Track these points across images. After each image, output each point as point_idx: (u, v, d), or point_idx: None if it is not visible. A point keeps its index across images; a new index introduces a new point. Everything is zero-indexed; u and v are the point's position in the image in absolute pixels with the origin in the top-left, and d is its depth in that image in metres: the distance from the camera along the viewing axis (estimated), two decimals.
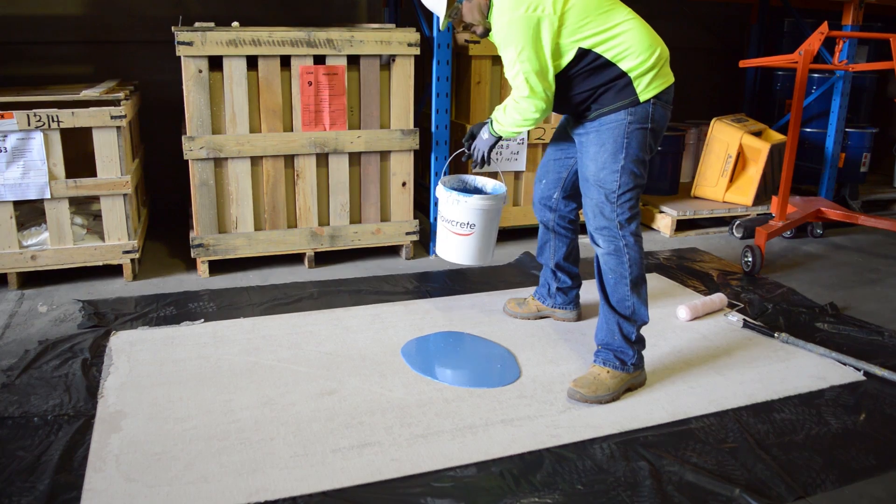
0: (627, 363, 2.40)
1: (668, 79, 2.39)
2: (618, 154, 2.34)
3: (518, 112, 2.39)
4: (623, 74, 2.30)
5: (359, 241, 3.62)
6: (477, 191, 2.99)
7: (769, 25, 5.37)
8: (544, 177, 2.79)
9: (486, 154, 2.64)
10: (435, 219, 3.77)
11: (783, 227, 3.76)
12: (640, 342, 2.45)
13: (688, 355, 2.70)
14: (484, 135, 2.62)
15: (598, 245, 2.43)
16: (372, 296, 3.21)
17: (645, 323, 2.45)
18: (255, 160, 3.36)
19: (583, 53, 2.29)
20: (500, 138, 2.60)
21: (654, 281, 3.46)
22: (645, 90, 2.31)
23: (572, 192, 2.74)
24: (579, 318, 2.98)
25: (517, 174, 3.99)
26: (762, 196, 4.48)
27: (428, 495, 1.87)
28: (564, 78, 2.37)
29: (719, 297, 3.13)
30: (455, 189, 2.86)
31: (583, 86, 2.36)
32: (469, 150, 2.70)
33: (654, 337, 2.83)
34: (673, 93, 2.42)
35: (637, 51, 2.30)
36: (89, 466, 1.94)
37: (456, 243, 2.86)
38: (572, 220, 2.81)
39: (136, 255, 3.32)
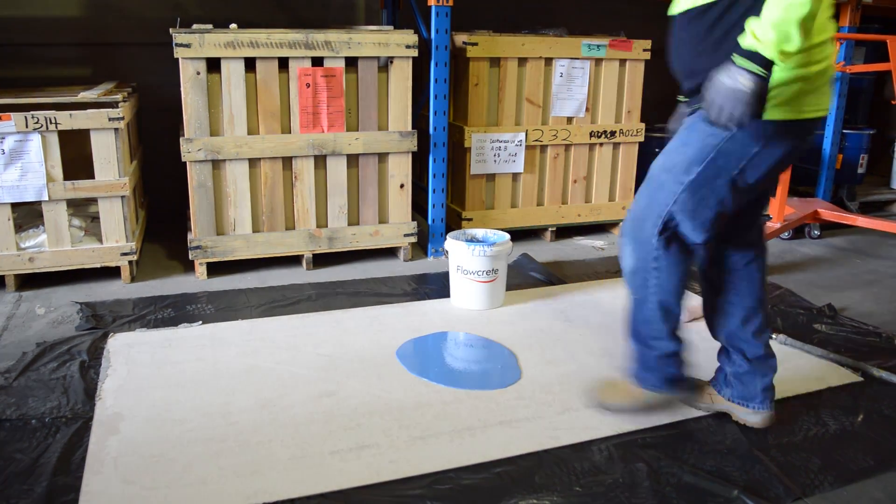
0: (643, 383, 2.17)
1: (821, 103, 1.83)
2: (692, 166, 1.87)
3: None
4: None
5: (357, 242, 3.62)
6: (476, 240, 3.21)
7: None
8: None
9: (741, 111, 1.70)
10: (433, 220, 3.78)
11: (781, 228, 3.77)
12: (664, 367, 2.13)
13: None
14: (731, 79, 1.69)
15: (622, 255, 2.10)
16: (370, 297, 3.21)
17: (671, 352, 2.12)
18: (254, 162, 3.36)
19: None
20: (763, 73, 1.67)
21: None
22: (778, 106, 1.78)
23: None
24: (771, 421, 2.19)
25: (515, 176, 4.00)
26: None
27: (427, 497, 1.87)
28: (697, 21, 1.83)
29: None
30: (466, 241, 3.08)
31: (707, 43, 1.80)
32: (717, 116, 1.74)
33: None
34: (814, 129, 1.90)
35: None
36: (87, 469, 1.94)
37: (481, 290, 3.06)
38: (746, 247, 2.10)
39: (134, 257, 3.32)
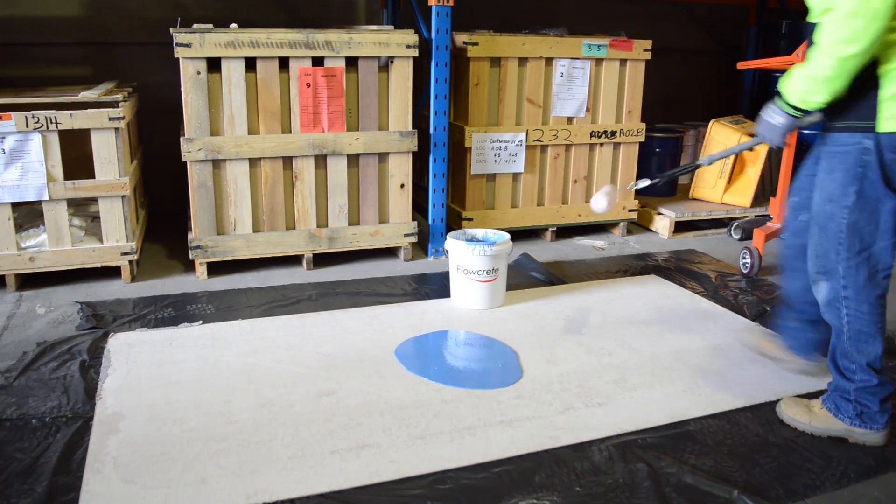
0: (837, 411, 2.17)
1: None
2: (848, 186, 1.99)
3: (829, 49, 1.84)
4: (875, 82, 1.90)
5: (357, 242, 3.62)
6: (476, 240, 3.20)
7: (767, 27, 5.37)
8: (797, 193, 2.34)
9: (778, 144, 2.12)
10: (433, 219, 3.78)
11: (781, 228, 3.77)
12: (862, 399, 2.12)
13: (686, 356, 2.70)
14: (771, 118, 2.09)
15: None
16: (370, 297, 3.22)
17: (870, 386, 2.10)
18: (254, 162, 3.36)
19: None
20: (799, 114, 2.03)
21: (652, 283, 3.47)
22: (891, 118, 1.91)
23: None
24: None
25: (515, 176, 4.00)
26: (760, 197, 4.49)
27: (427, 497, 1.87)
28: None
29: (609, 186, 2.85)
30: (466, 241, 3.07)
31: None
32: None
33: (652, 338, 2.84)
34: None
35: None
36: (87, 468, 1.94)
37: (481, 290, 3.06)
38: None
39: (135, 257, 3.32)
